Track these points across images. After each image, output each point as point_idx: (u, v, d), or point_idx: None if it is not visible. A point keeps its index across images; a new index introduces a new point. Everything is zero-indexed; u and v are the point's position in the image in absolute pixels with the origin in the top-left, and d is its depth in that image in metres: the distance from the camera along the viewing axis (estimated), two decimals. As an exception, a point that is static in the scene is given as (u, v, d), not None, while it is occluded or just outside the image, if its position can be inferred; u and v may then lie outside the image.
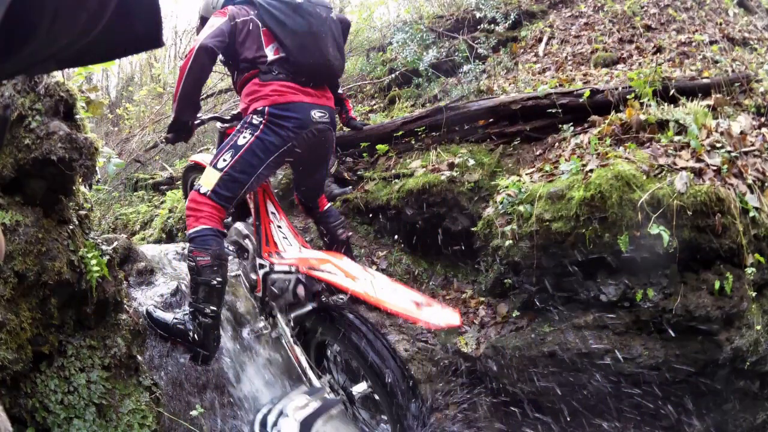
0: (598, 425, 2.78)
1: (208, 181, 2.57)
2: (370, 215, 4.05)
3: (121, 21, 0.57)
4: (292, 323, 2.61)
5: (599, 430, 2.78)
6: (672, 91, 3.48)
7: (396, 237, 3.94)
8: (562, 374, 2.82)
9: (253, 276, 2.76)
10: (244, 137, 2.60)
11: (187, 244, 2.57)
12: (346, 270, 2.25)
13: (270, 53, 2.65)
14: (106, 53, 0.64)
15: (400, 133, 4.19)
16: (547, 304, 2.97)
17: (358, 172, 4.26)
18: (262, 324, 2.77)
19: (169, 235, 5.17)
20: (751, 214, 2.70)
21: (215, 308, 2.48)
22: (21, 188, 1.99)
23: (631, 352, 2.70)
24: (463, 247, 3.61)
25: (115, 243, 2.76)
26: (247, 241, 2.89)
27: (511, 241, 2.96)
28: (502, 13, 6.07)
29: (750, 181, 2.78)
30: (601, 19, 6.13)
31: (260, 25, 2.65)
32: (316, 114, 2.64)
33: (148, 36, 0.63)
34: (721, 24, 5.71)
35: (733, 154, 2.84)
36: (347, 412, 2.47)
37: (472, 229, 3.34)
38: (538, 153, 3.68)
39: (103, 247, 2.28)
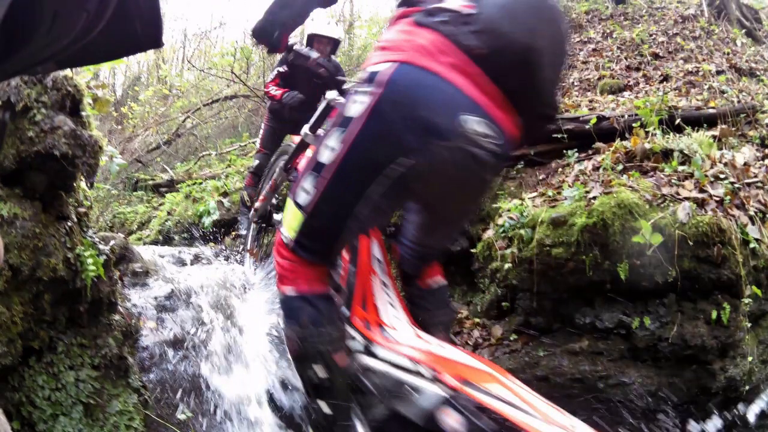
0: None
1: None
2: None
3: (121, 22, 0.57)
4: None
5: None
6: (678, 121, 3.49)
7: (392, 255, 3.92)
8: (555, 396, 2.80)
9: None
10: None
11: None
12: (538, 408, 1.26)
13: None
14: (106, 54, 0.64)
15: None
16: (543, 328, 2.96)
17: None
18: None
19: (166, 238, 5.17)
20: (752, 245, 2.69)
21: None
22: (21, 181, 1.98)
23: (625, 379, 2.69)
24: (459, 268, 3.59)
25: (112, 242, 2.75)
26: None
27: (510, 265, 2.95)
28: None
29: (752, 213, 2.79)
30: (610, 46, 6.16)
31: None
32: None
33: (148, 37, 0.63)
34: (728, 54, 5.74)
35: (736, 186, 2.84)
36: None
37: (471, 250, 3.33)
38: (541, 177, 3.68)
39: (101, 247, 2.27)
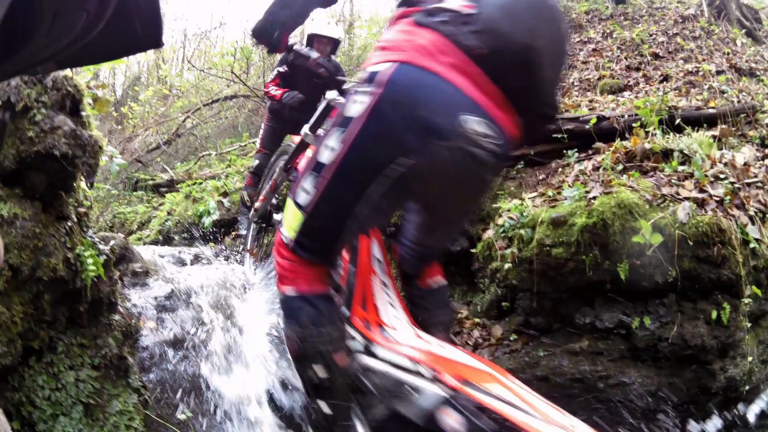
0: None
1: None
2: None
3: (121, 22, 0.57)
4: None
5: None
6: (678, 121, 3.49)
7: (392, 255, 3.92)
8: (555, 396, 2.80)
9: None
10: None
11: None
12: (538, 408, 1.25)
13: None
14: (106, 54, 0.64)
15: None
16: (543, 328, 2.96)
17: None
18: None
19: (166, 238, 5.17)
20: (752, 245, 2.69)
21: None
22: (21, 181, 1.98)
23: (625, 379, 2.69)
24: (459, 268, 3.59)
25: (112, 242, 2.75)
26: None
27: (510, 265, 2.95)
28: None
29: (752, 213, 2.79)
30: (610, 46, 6.16)
31: None
32: None
33: (148, 37, 0.63)
34: (728, 54, 5.74)
35: (736, 185, 2.84)
36: None
37: (471, 250, 3.33)
38: (541, 177, 3.68)
39: (101, 247, 2.26)
